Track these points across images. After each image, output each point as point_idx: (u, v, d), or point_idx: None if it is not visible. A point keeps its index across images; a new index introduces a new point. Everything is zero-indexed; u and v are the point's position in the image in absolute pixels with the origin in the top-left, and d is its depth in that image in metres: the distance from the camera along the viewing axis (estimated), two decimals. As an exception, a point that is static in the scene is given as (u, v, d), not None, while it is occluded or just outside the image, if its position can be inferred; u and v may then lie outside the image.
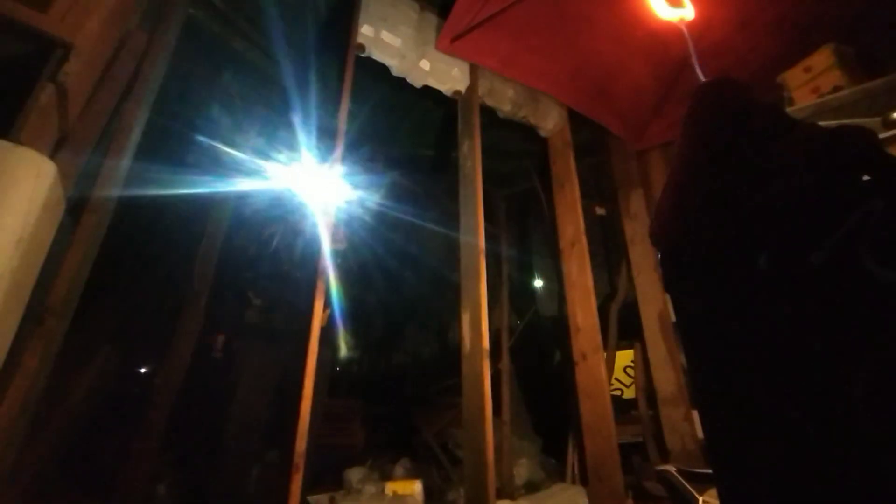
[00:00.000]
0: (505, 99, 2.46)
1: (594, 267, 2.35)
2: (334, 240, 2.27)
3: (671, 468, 1.90)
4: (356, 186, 3.26)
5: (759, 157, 0.57)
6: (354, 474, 2.43)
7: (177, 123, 2.51)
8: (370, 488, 2.25)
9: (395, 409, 3.50)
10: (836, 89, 1.64)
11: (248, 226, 2.69)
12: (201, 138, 2.73)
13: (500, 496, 2.29)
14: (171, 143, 2.53)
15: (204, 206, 2.62)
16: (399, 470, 2.61)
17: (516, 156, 3.26)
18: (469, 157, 2.11)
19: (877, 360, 0.43)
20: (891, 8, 1.79)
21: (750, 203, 0.56)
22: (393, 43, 2.03)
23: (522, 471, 2.68)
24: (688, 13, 0.98)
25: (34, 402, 1.28)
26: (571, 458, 2.61)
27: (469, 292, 1.89)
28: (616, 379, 2.67)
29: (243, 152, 2.79)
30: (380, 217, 3.77)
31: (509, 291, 3.43)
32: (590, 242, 2.39)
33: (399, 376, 4.03)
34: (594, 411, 2.11)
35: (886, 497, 0.41)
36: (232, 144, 2.78)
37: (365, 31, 1.96)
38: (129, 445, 2.14)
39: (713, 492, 1.64)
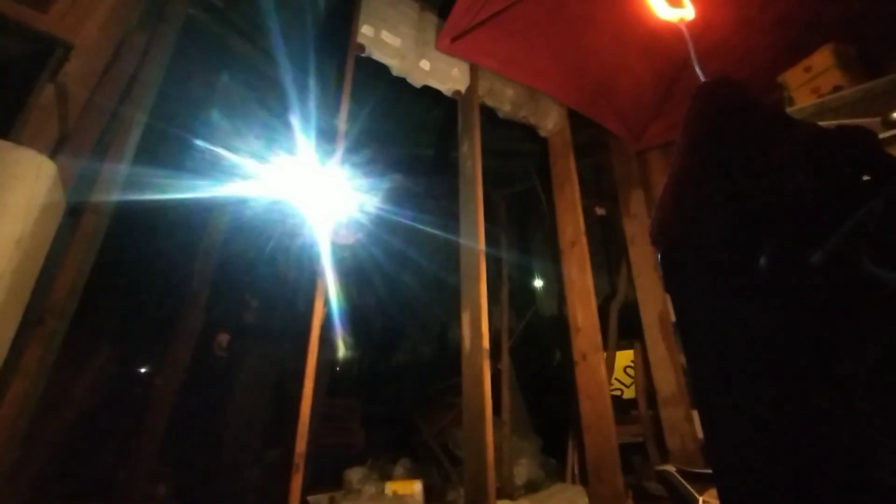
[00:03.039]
0: (505, 99, 2.46)
1: (594, 267, 2.34)
2: (340, 236, 2.27)
3: (671, 468, 1.90)
4: (356, 187, 3.26)
5: (759, 158, 0.57)
6: (354, 474, 2.43)
7: (176, 124, 2.51)
8: (370, 488, 2.25)
9: (395, 409, 3.50)
10: (836, 89, 1.64)
11: (247, 227, 2.69)
12: (200, 139, 2.73)
13: (500, 496, 2.29)
14: (170, 144, 2.53)
15: (204, 207, 2.62)
16: (399, 470, 2.61)
17: (516, 156, 3.26)
18: (469, 157, 2.11)
19: (877, 359, 0.43)
20: (891, 8, 1.78)
21: (750, 203, 0.56)
22: (393, 43, 2.03)
23: (522, 471, 2.68)
24: (688, 13, 0.99)
25: (34, 402, 1.28)
26: (571, 458, 2.61)
27: (469, 292, 1.89)
28: (616, 379, 2.67)
29: (242, 153, 2.79)
30: (379, 217, 3.78)
31: (509, 291, 3.43)
32: (590, 242, 2.38)
33: (399, 376, 4.02)
34: (594, 411, 2.11)
35: (886, 494, 0.41)
36: (231, 146, 2.78)
37: (365, 31, 1.96)
38: (129, 445, 2.14)
39: (713, 492, 1.64)
